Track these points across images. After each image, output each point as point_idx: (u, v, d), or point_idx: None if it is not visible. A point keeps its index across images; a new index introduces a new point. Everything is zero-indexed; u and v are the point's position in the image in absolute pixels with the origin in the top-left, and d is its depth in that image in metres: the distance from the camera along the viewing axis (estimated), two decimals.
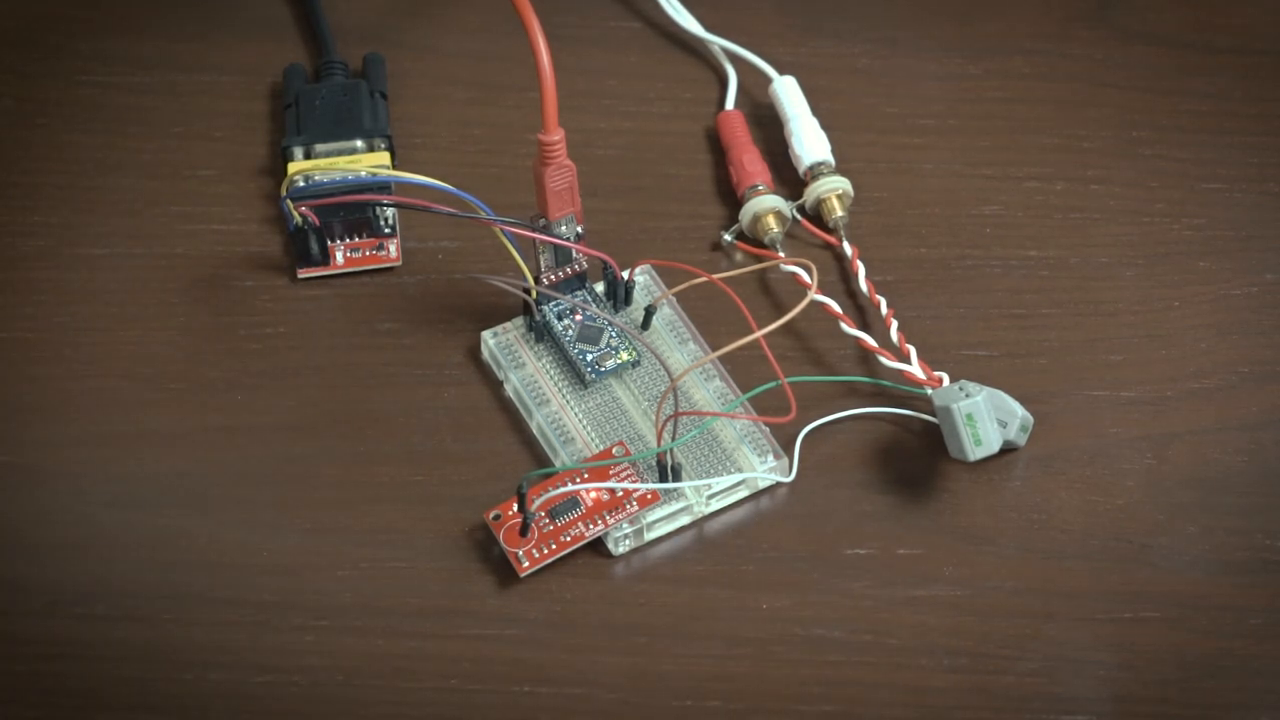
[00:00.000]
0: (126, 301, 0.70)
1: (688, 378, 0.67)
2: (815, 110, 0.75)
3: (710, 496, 0.65)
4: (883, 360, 0.68)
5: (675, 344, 0.69)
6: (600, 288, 0.70)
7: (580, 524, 0.64)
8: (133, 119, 0.76)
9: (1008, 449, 0.66)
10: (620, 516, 0.64)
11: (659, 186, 0.74)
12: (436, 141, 0.75)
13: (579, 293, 0.69)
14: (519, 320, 0.69)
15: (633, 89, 0.77)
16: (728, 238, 0.72)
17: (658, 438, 0.64)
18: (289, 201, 0.69)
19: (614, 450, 0.65)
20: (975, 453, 0.64)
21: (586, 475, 0.64)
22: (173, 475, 0.66)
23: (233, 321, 0.70)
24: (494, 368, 0.69)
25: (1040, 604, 0.64)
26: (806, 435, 0.67)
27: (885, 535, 0.65)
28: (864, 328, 0.69)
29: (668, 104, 0.77)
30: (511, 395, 0.68)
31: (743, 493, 0.66)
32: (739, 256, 0.72)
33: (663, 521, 0.65)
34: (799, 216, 0.73)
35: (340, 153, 0.73)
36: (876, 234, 0.73)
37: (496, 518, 0.64)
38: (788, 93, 0.75)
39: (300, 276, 0.71)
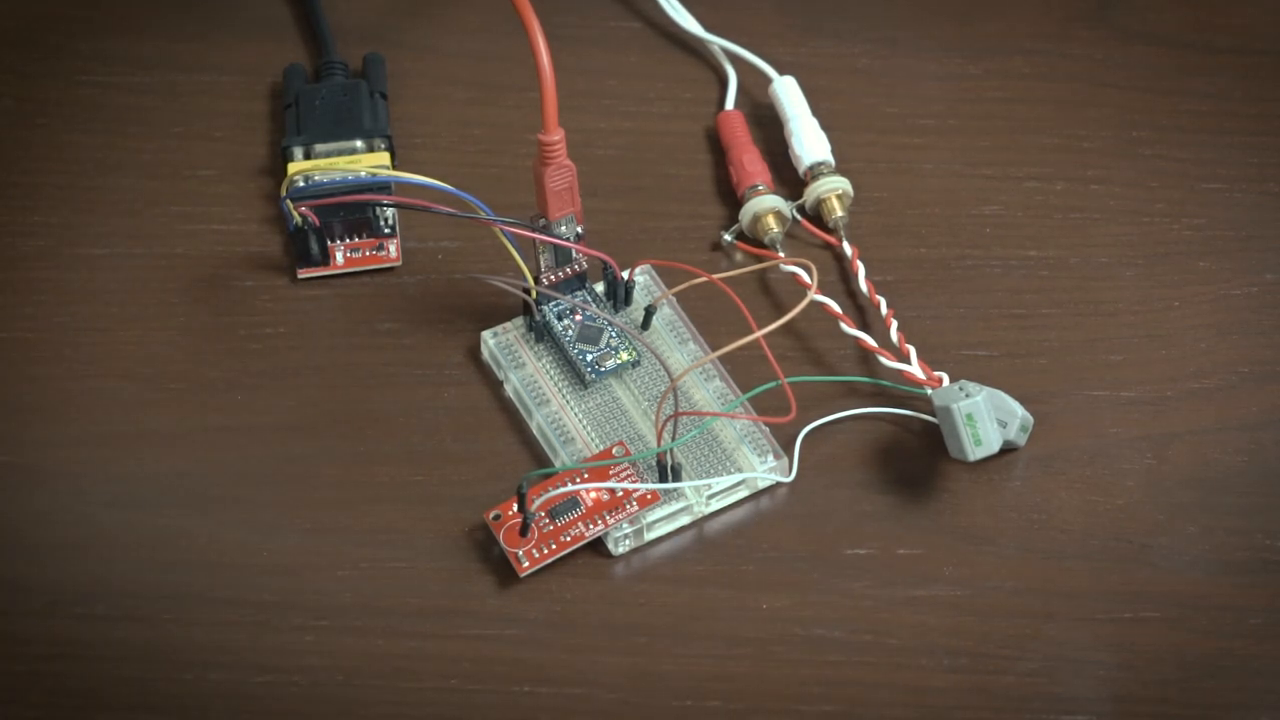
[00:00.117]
0: (126, 301, 0.70)
1: (688, 378, 0.67)
2: (815, 110, 0.75)
3: (710, 496, 0.65)
4: (883, 360, 0.68)
5: (675, 344, 0.69)
6: (600, 288, 0.70)
7: (580, 524, 0.64)
8: (133, 119, 0.76)
9: (1008, 449, 0.66)
10: (620, 516, 0.64)
11: (659, 186, 0.74)
12: (436, 141, 0.75)
13: (579, 293, 0.69)
14: (519, 320, 0.69)
15: (633, 89, 0.77)
16: (728, 238, 0.72)
17: (658, 438, 0.64)
18: (289, 201, 0.69)
19: (614, 450, 0.65)
20: (975, 453, 0.64)
21: (586, 475, 0.64)
22: (173, 475, 0.66)
23: (233, 321, 0.70)
24: (494, 368, 0.69)
25: (1040, 604, 0.64)
26: (806, 435, 0.67)
27: (885, 535, 0.65)
28: (864, 328, 0.69)
29: (668, 104, 0.77)
30: (511, 395, 0.68)
31: (743, 493, 0.66)
32: (739, 256, 0.72)
33: (663, 521, 0.65)
34: (799, 216, 0.73)
35: (340, 153, 0.73)
36: (876, 234, 0.73)
37: (496, 518, 0.64)
38: (788, 93, 0.75)
39: (300, 276, 0.71)
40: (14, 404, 0.68)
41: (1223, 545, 0.65)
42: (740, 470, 0.66)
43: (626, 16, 0.80)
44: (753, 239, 0.72)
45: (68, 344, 0.69)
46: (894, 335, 0.68)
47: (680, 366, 0.68)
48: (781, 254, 0.71)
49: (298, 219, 0.70)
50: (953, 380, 0.66)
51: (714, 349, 0.67)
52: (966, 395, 0.64)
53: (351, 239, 0.71)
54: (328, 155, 0.73)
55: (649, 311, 0.69)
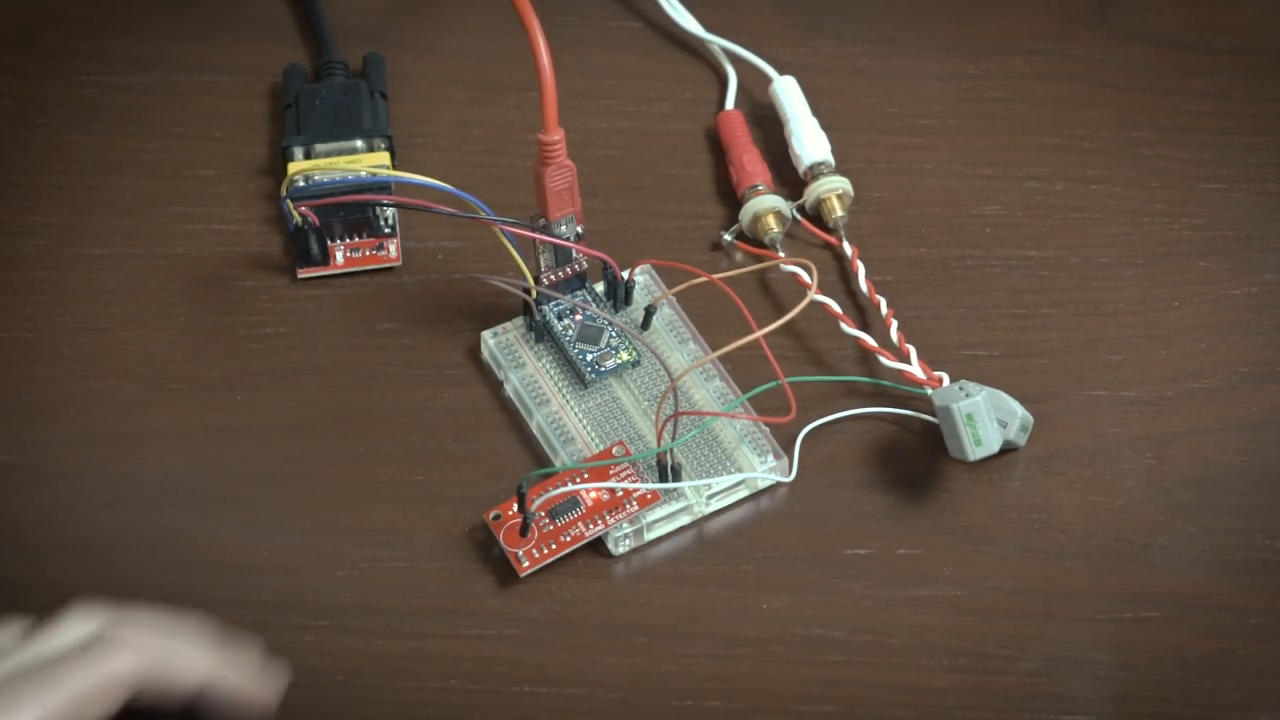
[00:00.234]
0: (126, 301, 0.70)
1: (688, 378, 0.67)
2: (815, 110, 0.75)
3: (710, 496, 0.65)
4: (883, 360, 0.68)
5: (675, 344, 0.69)
6: (600, 288, 0.70)
7: (580, 524, 0.64)
8: (133, 119, 0.76)
9: (1008, 449, 0.66)
10: (620, 516, 0.64)
11: (659, 186, 0.74)
12: (436, 141, 0.75)
13: (579, 293, 0.69)
14: (519, 320, 0.69)
15: (633, 89, 0.77)
16: (728, 238, 0.72)
17: (658, 438, 0.64)
18: (289, 201, 0.69)
19: (614, 450, 0.65)
20: (975, 453, 0.64)
21: (586, 475, 0.64)
22: (173, 475, 0.66)
23: (233, 321, 0.70)
24: (494, 368, 0.69)
25: (1040, 604, 0.64)
26: (806, 435, 0.67)
27: (885, 535, 0.65)
28: (864, 328, 0.69)
29: (668, 104, 0.77)
30: (511, 395, 0.68)
31: (743, 493, 0.66)
32: (739, 256, 0.72)
33: (663, 521, 0.65)
34: (799, 216, 0.73)
35: (340, 153, 0.73)
36: (876, 234, 0.73)
37: (496, 518, 0.64)
38: (788, 93, 0.75)
39: (300, 276, 0.71)
40: (14, 404, 0.68)
41: (1223, 545, 0.65)
42: (740, 470, 0.66)
43: (626, 16, 0.80)
44: (753, 239, 0.72)
45: (68, 344, 0.69)
46: (894, 335, 0.68)
47: (680, 366, 0.68)
48: (781, 254, 0.71)
49: (298, 219, 0.70)
50: (953, 380, 0.66)
51: (714, 349, 0.67)
52: (966, 395, 0.64)
53: (351, 239, 0.71)
54: (328, 155, 0.73)
55: (649, 311, 0.69)
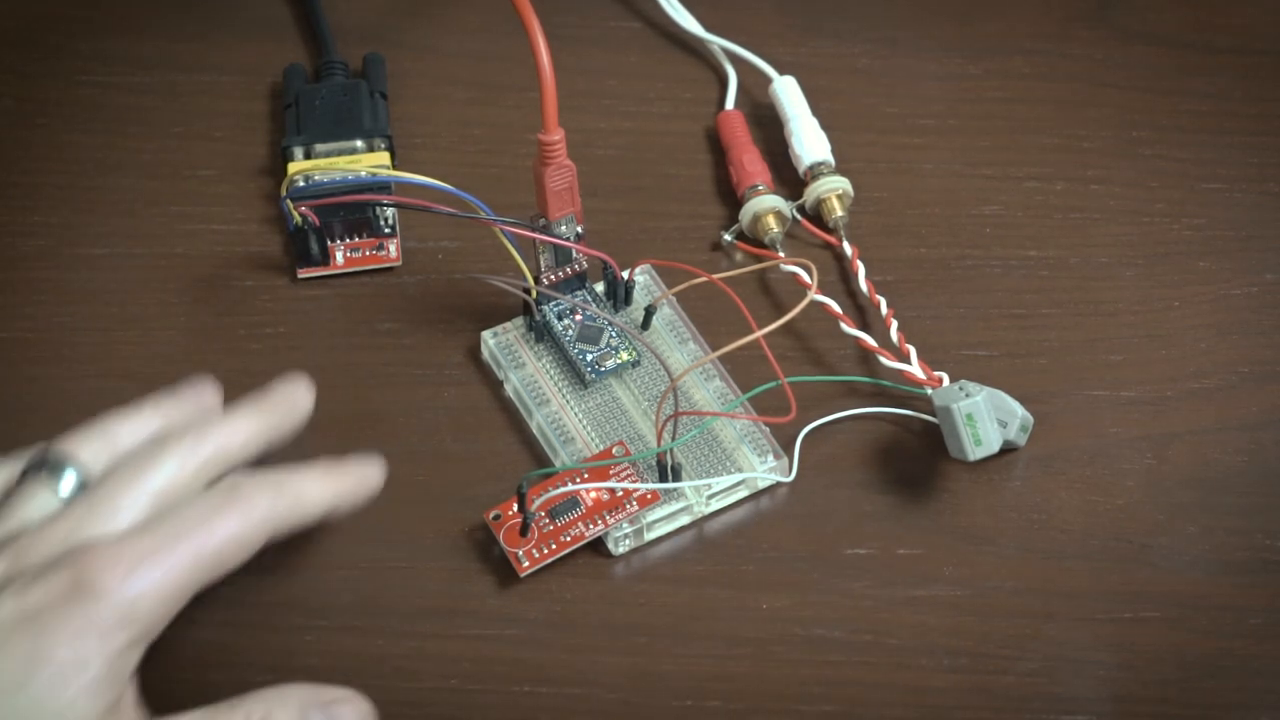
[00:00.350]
0: (126, 301, 0.70)
1: (688, 378, 0.67)
2: (815, 110, 0.75)
3: (710, 496, 0.65)
4: (883, 360, 0.68)
5: (675, 344, 0.69)
6: (600, 288, 0.70)
7: (580, 524, 0.64)
8: (133, 119, 0.76)
9: (1008, 449, 0.66)
10: (620, 516, 0.64)
11: (659, 186, 0.74)
12: (436, 141, 0.75)
13: (579, 293, 0.69)
14: (519, 320, 0.69)
15: (633, 89, 0.77)
16: (728, 238, 0.72)
17: (658, 438, 0.64)
18: (289, 201, 0.69)
19: (614, 450, 0.65)
20: (975, 453, 0.64)
21: (586, 475, 0.64)
22: None
23: (233, 321, 0.70)
24: (494, 368, 0.69)
25: (1040, 604, 0.64)
26: (806, 435, 0.67)
27: (885, 535, 0.65)
28: (864, 328, 0.69)
29: (668, 104, 0.77)
30: (511, 395, 0.68)
31: (743, 493, 0.66)
32: (739, 256, 0.72)
33: (663, 521, 0.65)
34: (799, 216, 0.73)
35: (340, 153, 0.73)
36: (876, 234, 0.73)
37: (496, 518, 0.64)
38: (788, 93, 0.75)
39: (300, 276, 0.71)
40: (14, 404, 0.68)
41: (1223, 545, 0.65)
42: (740, 470, 0.66)
43: (626, 16, 0.80)
44: (753, 239, 0.72)
45: (67, 344, 0.69)
46: (894, 335, 0.68)
47: (680, 366, 0.68)
48: (781, 254, 0.71)
49: (298, 219, 0.70)
50: (953, 380, 0.66)
51: (714, 349, 0.67)
52: (966, 395, 0.64)
53: (351, 239, 0.71)
54: (328, 155, 0.73)
55: (649, 311, 0.69)
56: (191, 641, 0.62)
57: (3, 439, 0.67)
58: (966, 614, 0.63)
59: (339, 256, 0.71)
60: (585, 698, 0.62)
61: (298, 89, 0.75)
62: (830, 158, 0.74)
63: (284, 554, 0.64)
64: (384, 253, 0.72)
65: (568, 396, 0.67)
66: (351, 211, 0.71)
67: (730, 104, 0.77)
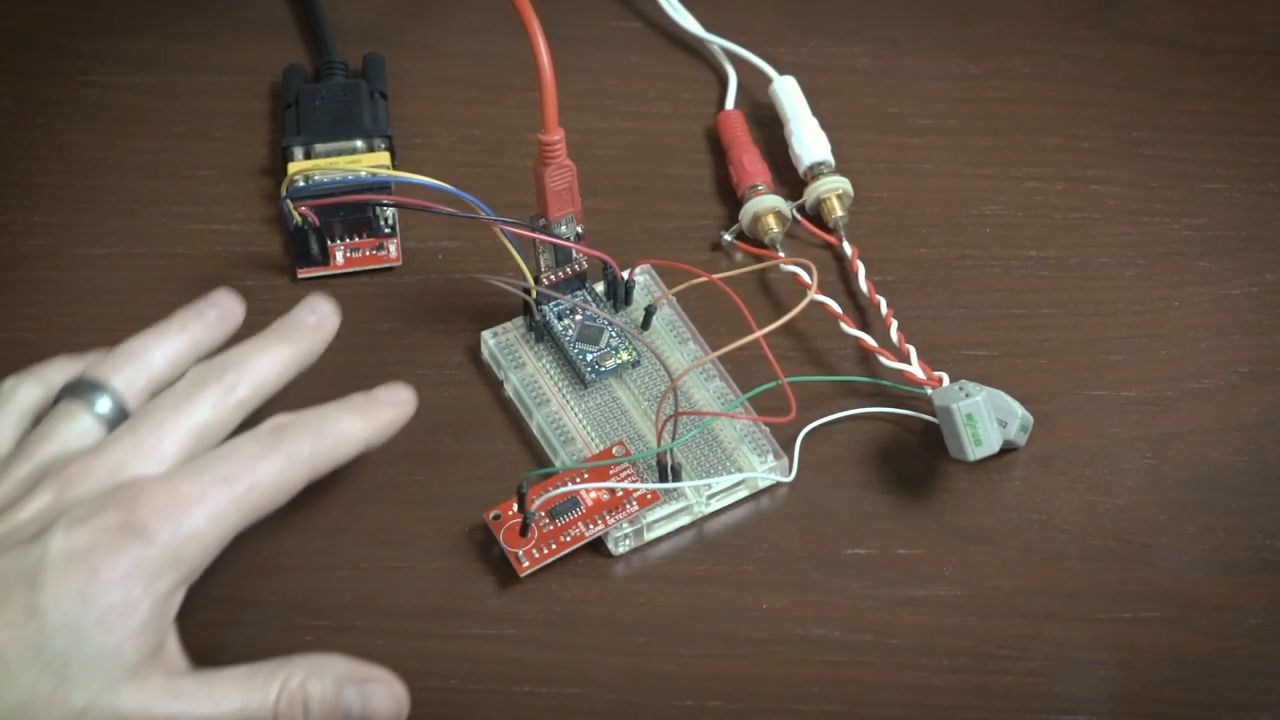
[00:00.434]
0: (126, 301, 0.70)
1: (688, 378, 0.67)
2: (815, 110, 0.75)
3: (710, 496, 0.65)
4: (883, 360, 0.68)
5: (675, 344, 0.69)
6: (600, 288, 0.70)
7: (580, 524, 0.64)
8: (133, 119, 0.76)
9: (1008, 449, 0.66)
10: (620, 516, 0.64)
11: (659, 186, 0.74)
12: (436, 141, 0.75)
13: (579, 293, 0.69)
14: (519, 320, 0.69)
15: (633, 89, 0.77)
16: (728, 238, 0.72)
17: (658, 438, 0.64)
18: (289, 201, 0.69)
19: (614, 450, 0.65)
20: (975, 453, 0.64)
21: (586, 475, 0.64)
22: None
23: None
24: (494, 368, 0.69)
25: (1040, 604, 0.64)
26: (806, 435, 0.67)
27: (885, 535, 0.65)
28: (864, 328, 0.69)
29: (668, 104, 0.77)
30: (511, 395, 0.68)
31: (743, 493, 0.66)
32: (739, 256, 0.72)
33: (663, 521, 0.65)
34: (799, 216, 0.73)
35: (340, 153, 0.73)
36: (876, 234, 0.73)
37: (496, 518, 0.64)
38: (788, 93, 0.75)
39: (300, 276, 0.71)
40: None
41: (1223, 545, 0.65)
42: (740, 470, 0.66)
43: (626, 16, 0.80)
44: (753, 239, 0.72)
45: (68, 344, 0.69)
46: (894, 335, 0.68)
47: (680, 366, 0.68)
48: (781, 254, 0.71)
49: (298, 219, 0.70)
50: (953, 380, 0.66)
51: (714, 349, 0.67)
52: (966, 395, 0.64)
53: (351, 239, 0.71)
54: (328, 155, 0.73)
55: (649, 311, 0.69)
56: (191, 641, 0.62)
57: None
58: (966, 614, 0.63)
59: (339, 256, 0.71)
60: (585, 698, 0.62)
61: (298, 89, 0.75)
62: (830, 158, 0.74)
63: (284, 554, 0.64)
64: (384, 253, 0.72)
65: (568, 396, 0.67)
66: (351, 211, 0.71)
67: (730, 104, 0.77)
